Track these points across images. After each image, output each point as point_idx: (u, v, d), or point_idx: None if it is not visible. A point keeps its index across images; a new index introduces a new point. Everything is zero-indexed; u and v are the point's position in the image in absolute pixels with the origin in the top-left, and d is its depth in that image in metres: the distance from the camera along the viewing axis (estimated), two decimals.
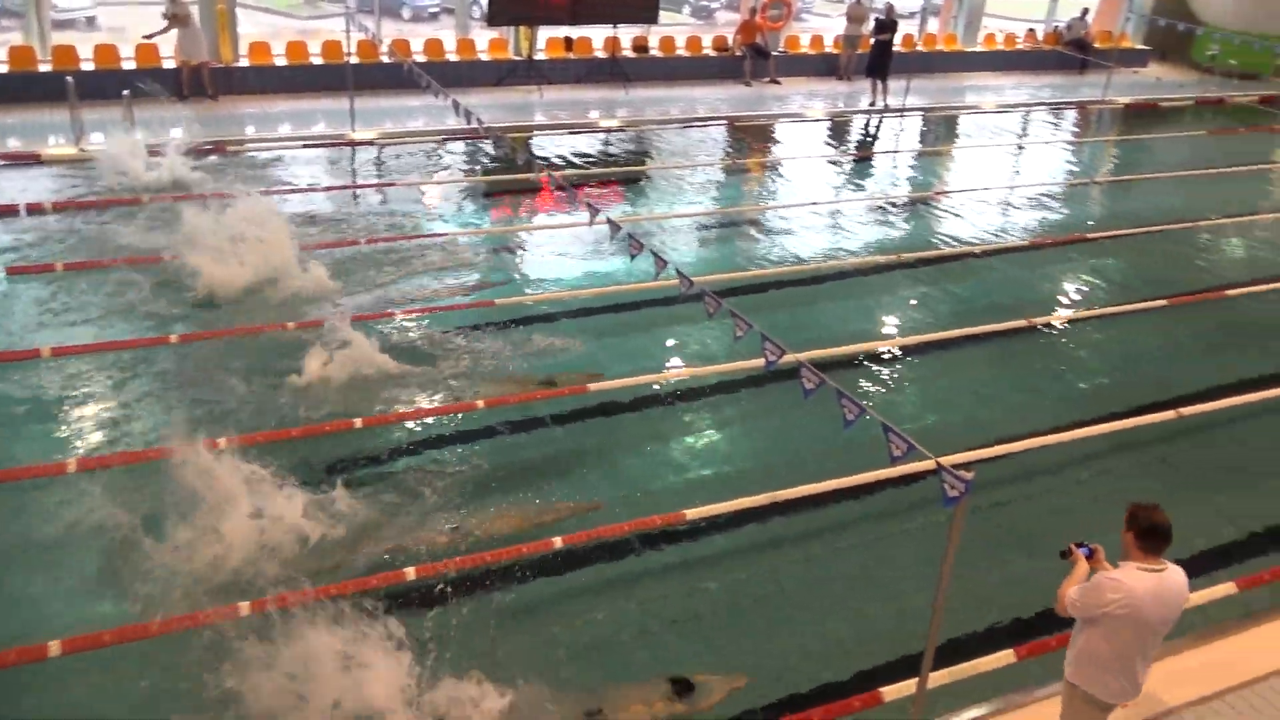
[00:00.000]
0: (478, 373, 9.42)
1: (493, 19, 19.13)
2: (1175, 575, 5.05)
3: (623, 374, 9.61)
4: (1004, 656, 6.62)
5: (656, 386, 9.60)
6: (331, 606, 6.06)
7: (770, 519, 7.87)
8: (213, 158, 14.59)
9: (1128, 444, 9.21)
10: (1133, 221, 15.14)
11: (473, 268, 11.80)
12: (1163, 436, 9.36)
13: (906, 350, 10.65)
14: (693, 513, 7.70)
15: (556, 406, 9.07)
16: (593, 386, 9.29)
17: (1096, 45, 25.44)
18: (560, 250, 12.58)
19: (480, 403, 8.92)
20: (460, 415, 8.85)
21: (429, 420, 8.72)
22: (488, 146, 16.27)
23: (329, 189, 13.99)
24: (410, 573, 6.81)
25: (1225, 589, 7.35)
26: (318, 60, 18.42)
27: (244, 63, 18.01)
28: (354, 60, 17.63)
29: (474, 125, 10.86)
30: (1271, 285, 13.06)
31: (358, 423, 8.48)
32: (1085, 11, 25.61)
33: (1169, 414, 9.55)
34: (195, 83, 17.04)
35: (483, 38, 20.85)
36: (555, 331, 10.33)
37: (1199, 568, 7.78)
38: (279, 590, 6.42)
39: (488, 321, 10.44)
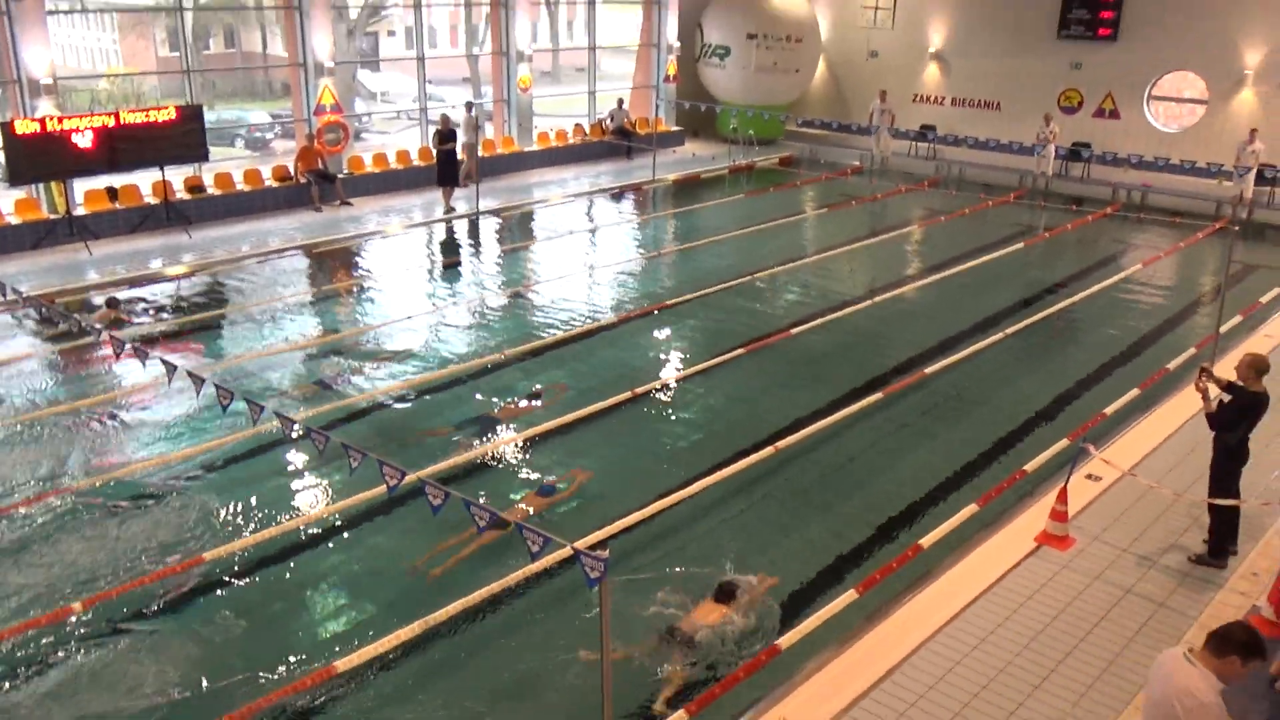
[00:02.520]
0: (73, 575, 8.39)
1: (14, 178, 17.38)
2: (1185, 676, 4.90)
3: (252, 530, 9.02)
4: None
5: (293, 533, 9.11)
6: None
7: (432, 645, 7.72)
8: None
9: (747, 481, 10.12)
10: (701, 282, 16.79)
11: (48, 456, 10.52)
12: (771, 469, 10.40)
13: (529, 441, 10.94)
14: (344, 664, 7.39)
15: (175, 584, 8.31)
16: (208, 555, 8.63)
17: (638, 131, 28.05)
18: (148, 414, 11.59)
19: (77, 606, 7.96)
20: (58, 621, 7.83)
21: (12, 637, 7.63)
22: (38, 316, 14.64)
23: None
24: None
25: (849, 596, 8.28)
26: None
27: None
28: None
29: (10, 297, 9.76)
30: (821, 321, 15.03)
31: None
32: (621, 102, 28.18)
33: (768, 450, 10.66)
34: None
35: (7, 199, 18.86)
36: (166, 508, 9.47)
37: (828, 580, 8.71)
38: None
39: (75, 514, 9.35)
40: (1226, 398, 8.47)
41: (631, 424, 11.49)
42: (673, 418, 11.73)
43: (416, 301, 15.75)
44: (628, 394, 12.10)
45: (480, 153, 23.72)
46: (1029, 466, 10.53)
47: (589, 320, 14.88)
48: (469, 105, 23.25)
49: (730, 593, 7.97)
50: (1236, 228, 16.20)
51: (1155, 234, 21.40)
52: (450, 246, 19.43)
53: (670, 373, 12.98)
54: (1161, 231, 21.48)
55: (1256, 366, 8.35)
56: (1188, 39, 24.02)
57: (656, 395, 12.27)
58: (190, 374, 7.90)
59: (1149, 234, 21.50)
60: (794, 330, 14.65)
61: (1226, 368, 10.34)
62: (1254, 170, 22.21)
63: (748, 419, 11.63)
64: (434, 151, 21.58)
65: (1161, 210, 22.80)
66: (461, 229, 20.48)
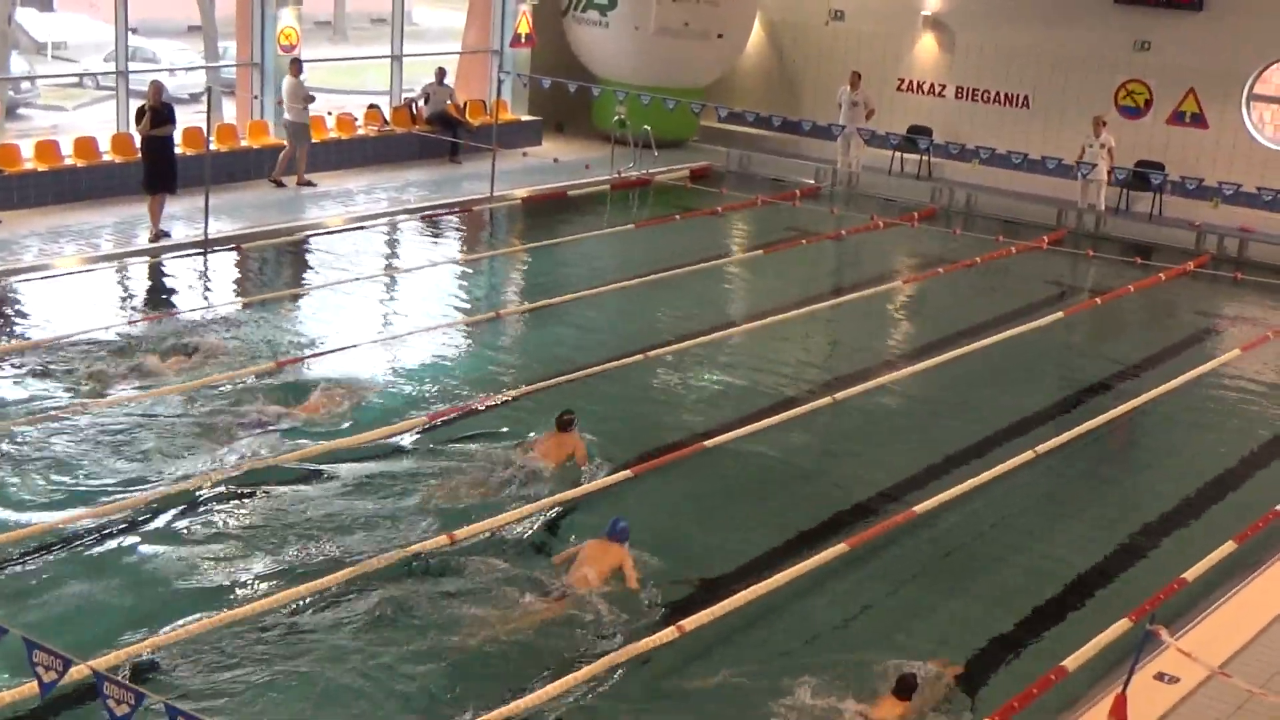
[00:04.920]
0: None
1: None
2: None
3: None
4: None
5: None
6: None
7: None
8: None
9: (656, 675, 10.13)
10: (565, 361, 16.86)
11: None
12: (674, 666, 10.43)
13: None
14: None
15: None
16: None
17: (469, 120, 28.25)
18: None
19: None
20: None
21: None
22: None
23: None
24: None
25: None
26: None
27: None
28: None
29: None
30: (755, 427, 15.27)
31: None
32: (443, 74, 28.40)
33: (669, 633, 10.66)
34: None
35: None
36: None
37: None
38: None
39: None
40: None
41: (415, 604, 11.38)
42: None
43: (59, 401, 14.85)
44: (432, 542, 11.98)
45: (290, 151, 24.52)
46: (1070, 661, 10.75)
47: (375, 421, 14.71)
48: (296, 64, 23.68)
49: (912, 686, 10.05)
50: None
51: (1261, 302, 22.41)
52: (155, 298, 19.15)
53: (500, 514, 12.90)
54: (1270, 299, 22.53)
55: None
56: None
57: (466, 561, 11.96)
58: None
59: (1251, 302, 22.50)
60: (712, 441, 14.77)
61: None
62: None
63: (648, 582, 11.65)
64: (137, 141, 21.35)
65: (1270, 268, 23.92)
66: (177, 270, 20.24)
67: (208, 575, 11.39)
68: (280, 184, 24.71)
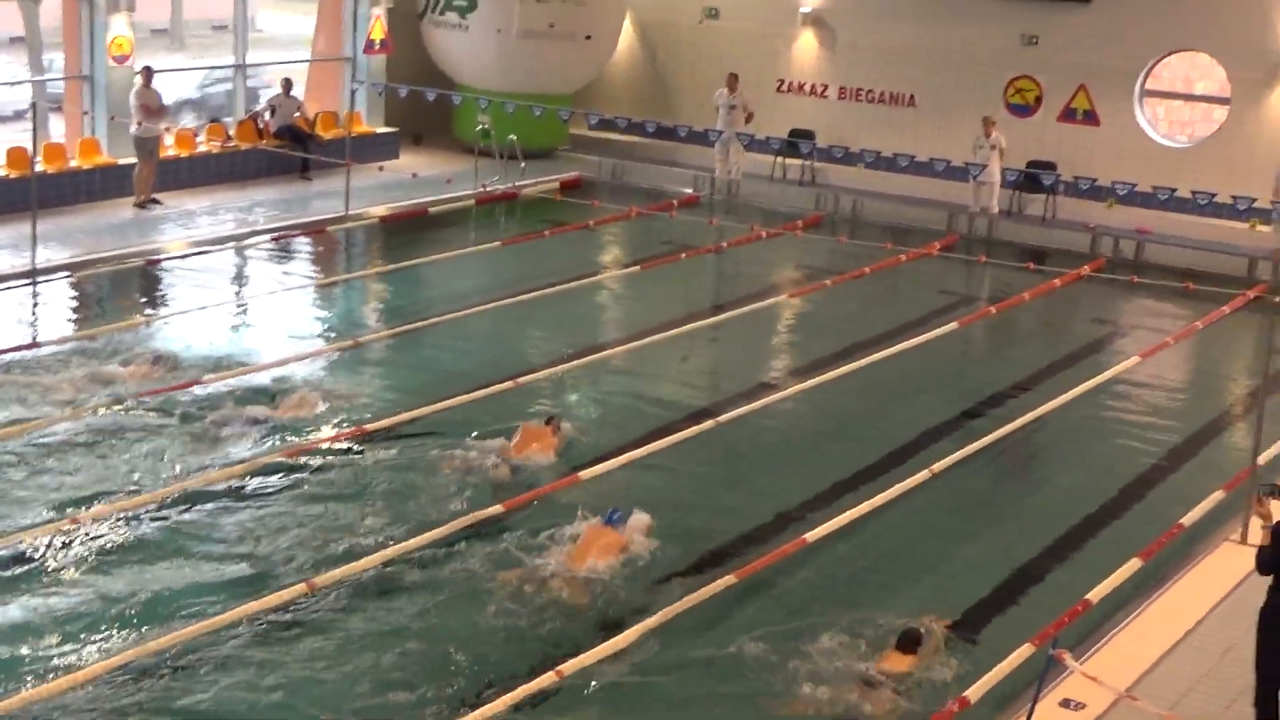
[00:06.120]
0: None
1: None
2: None
3: None
4: None
5: None
6: None
7: None
8: None
9: None
10: (430, 390, 16.79)
11: None
12: None
13: None
14: None
15: None
16: None
17: (320, 134, 28.03)
18: None
19: None
20: None
21: None
22: None
23: None
24: None
25: None
26: None
27: None
28: None
29: None
30: (626, 458, 15.29)
31: None
32: (289, 85, 28.16)
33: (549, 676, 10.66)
34: None
35: None
36: None
37: None
38: None
39: None
40: None
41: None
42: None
43: None
44: (292, 593, 11.87)
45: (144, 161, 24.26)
46: (972, 692, 10.82)
47: (219, 463, 14.58)
48: (147, 71, 23.48)
49: (916, 639, 11.24)
50: (1279, 298, 17.27)
51: (1158, 307, 22.92)
52: None
53: (361, 555, 12.85)
54: (1168, 303, 23.02)
55: None
56: (1193, 3, 26.13)
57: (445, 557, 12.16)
58: None
59: (1148, 307, 23.00)
60: (587, 472, 14.78)
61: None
62: None
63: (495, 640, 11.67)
64: None
65: (1167, 270, 24.33)
66: None
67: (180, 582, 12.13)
68: (145, 205, 24.51)
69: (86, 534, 12.82)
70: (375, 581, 12.23)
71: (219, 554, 12.69)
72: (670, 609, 11.86)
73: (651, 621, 11.68)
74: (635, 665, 11.21)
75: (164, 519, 13.25)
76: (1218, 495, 14.83)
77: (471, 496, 13.98)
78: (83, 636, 11.13)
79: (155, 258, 22.10)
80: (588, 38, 29.91)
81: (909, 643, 11.22)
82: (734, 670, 11.24)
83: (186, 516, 13.36)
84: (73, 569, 12.20)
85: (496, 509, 13.60)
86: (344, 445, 15.15)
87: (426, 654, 11.13)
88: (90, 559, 12.38)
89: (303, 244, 23.85)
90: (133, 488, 13.79)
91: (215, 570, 12.38)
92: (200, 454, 14.72)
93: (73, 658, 10.73)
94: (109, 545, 12.64)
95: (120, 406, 15.69)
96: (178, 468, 14.36)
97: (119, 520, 13.08)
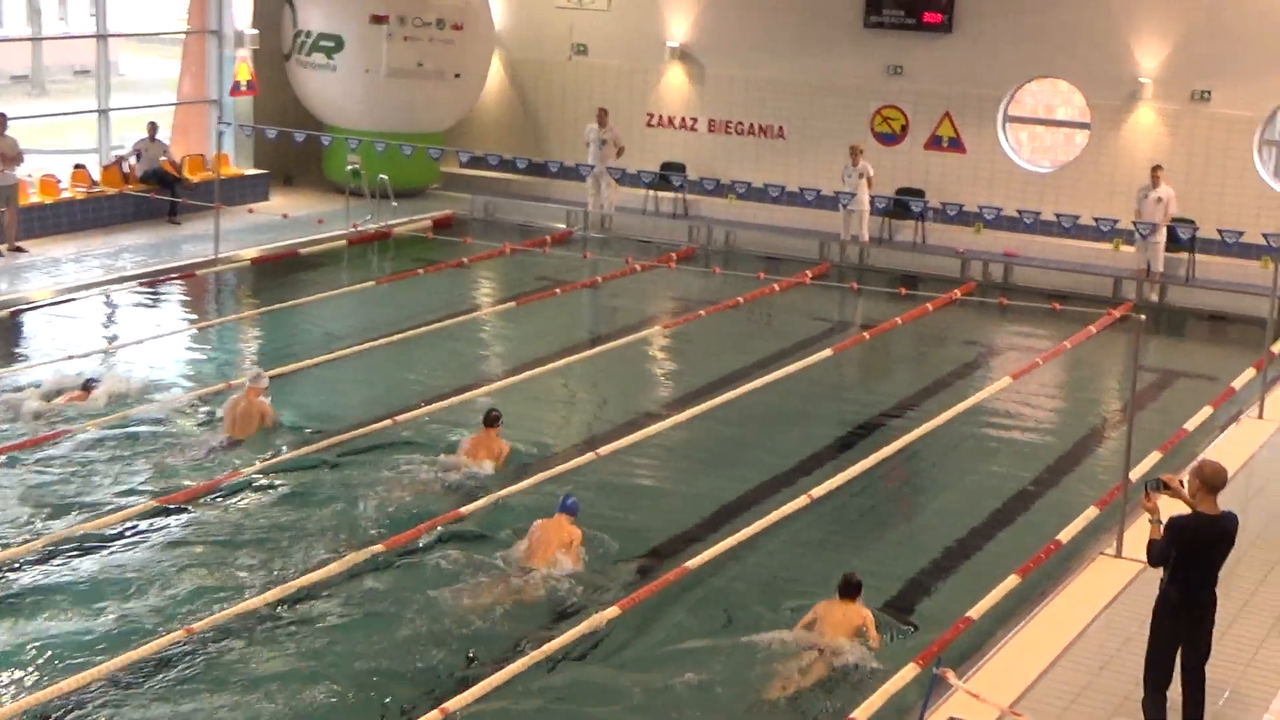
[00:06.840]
0: None
1: None
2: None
3: None
4: None
5: None
6: None
7: None
8: None
9: None
10: (302, 438, 16.66)
11: None
12: None
13: None
14: None
15: None
16: None
17: (187, 177, 27.72)
18: None
19: None
20: None
21: None
22: None
23: None
24: None
25: None
26: None
27: None
28: None
29: None
30: (507, 491, 15.30)
31: None
32: (155, 129, 27.81)
33: None
34: None
35: None
36: None
37: None
38: None
39: None
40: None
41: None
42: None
43: None
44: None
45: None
46: (860, 712, 10.87)
47: (89, 513, 14.38)
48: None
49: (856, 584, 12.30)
50: (1144, 316, 17.60)
51: (1027, 328, 23.32)
52: None
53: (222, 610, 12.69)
54: (1036, 324, 23.43)
55: (1205, 477, 9.84)
56: (1053, 31, 26.74)
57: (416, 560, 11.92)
58: None
59: (1018, 328, 23.37)
60: (468, 508, 14.70)
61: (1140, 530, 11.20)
62: (1162, 229, 24.69)
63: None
64: None
65: (1035, 291, 24.67)
66: None
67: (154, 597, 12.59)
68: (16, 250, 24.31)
69: None
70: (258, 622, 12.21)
71: (102, 601, 12.49)
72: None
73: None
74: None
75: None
76: (1091, 512, 15.07)
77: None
78: None
79: (18, 307, 21.72)
80: (457, 76, 29.90)
81: (850, 589, 12.18)
82: None
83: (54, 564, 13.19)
84: None
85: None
86: (224, 489, 15.03)
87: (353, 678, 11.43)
88: None
89: (173, 288, 23.48)
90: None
91: (95, 619, 12.20)
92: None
93: None
94: None
95: None
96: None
97: None
